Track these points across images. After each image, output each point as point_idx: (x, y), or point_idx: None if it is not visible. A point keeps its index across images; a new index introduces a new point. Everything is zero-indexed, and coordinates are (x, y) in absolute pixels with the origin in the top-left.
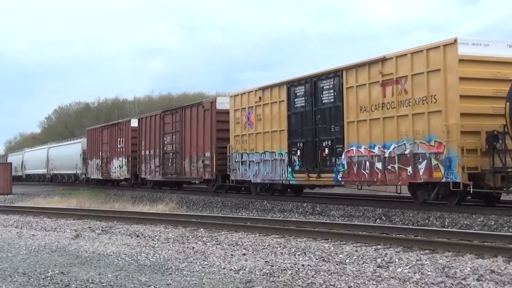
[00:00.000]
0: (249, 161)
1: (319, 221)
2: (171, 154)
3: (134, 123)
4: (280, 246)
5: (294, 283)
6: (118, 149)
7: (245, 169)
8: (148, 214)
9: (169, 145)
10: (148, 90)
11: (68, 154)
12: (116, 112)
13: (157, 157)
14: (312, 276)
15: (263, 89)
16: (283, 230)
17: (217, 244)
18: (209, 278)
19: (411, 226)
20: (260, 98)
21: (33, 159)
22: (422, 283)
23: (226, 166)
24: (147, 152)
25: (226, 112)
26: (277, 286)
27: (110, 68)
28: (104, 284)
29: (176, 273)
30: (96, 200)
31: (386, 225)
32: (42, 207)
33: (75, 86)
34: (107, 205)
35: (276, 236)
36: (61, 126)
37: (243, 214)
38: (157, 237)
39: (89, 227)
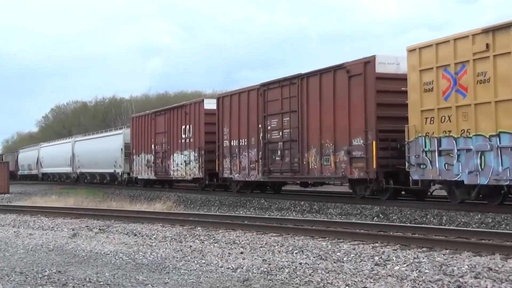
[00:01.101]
0: (457, 150)
1: (317, 219)
2: (279, 144)
3: (210, 104)
4: (277, 244)
5: (292, 281)
6: (182, 140)
7: (447, 163)
8: (146, 213)
9: (275, 132)
10: (146, 89)
11: (103, 149)
12: (113, 111)
13: (253, 149)
14: (310, 274)
15: (494, 30)
16: (281, 229)
17: (215, 243)
18: (207, 276)
19: (408, 224)
20: (487, 46)
21: (53, 155)
22: (419, 281)
23: (394, 159)
24: (234, 143)
25: (392, 79)
26: (275, 284)
27: (109, 67)
28: (101, 283)
29: (174, 271)
30: (93, 199)
31: (383, 223)
32: (40, 206)
33: (74, 85)
34: (104, 204)
35: (274, 234)
36: (58, 125)
37: (241, 212)
38: (154, 236)
39: (87, 226)
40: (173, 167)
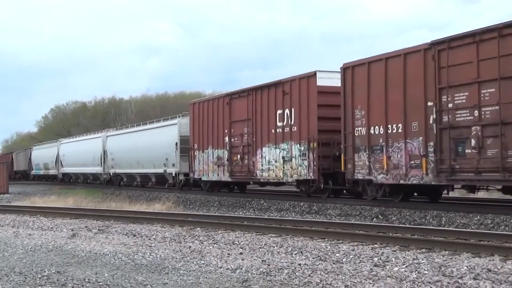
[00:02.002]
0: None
1: (316, 220)
2: (473, 129)
3: (326, 79)
4: (277, 245)
5: (291, 282)
6: (278, 130)
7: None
8: (145, 214)
9: (464, 112)
10: (145, 89)
11: (148, 144)
12: (112, 111)
13: (413, 138)
14: (309, 275)
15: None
16: (280, 229)
17: (214, 243)
18: (206, 277)
19: (407, 225)
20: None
21: (78, 153)
22: (418, 282)
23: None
24: (376, 130)
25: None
26: (274, 285)
27: (109, 67)
28: (100, 283)
29: (173, 272)
30: (92, 199)
31: (383, 224)
32: (39, 206)
33: (73, 85)
34: (104, 205)
35: (273, 235)
36: (57, 126)
37: (240, 213)
38: (153, 237)
39: (86, 227)
40: (261, 165)
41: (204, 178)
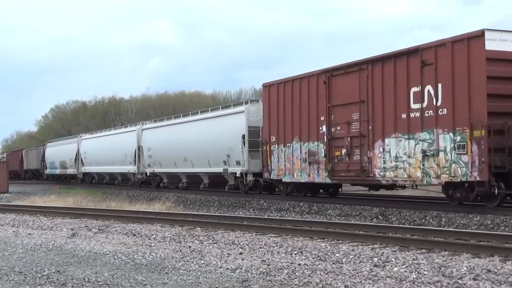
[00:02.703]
0: None
1: (316, 220)
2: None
3: (498, 41)
4: (276, 245)
5: (291, 282)
6: (413, 114)
7: None
8: (145, 213)
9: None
10: (145, 88)
11: (204, 137)
12: (112, 111)
13: None
14: (309, 275)
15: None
16: (280, 229)
17: (214, 243)
18: (206, 277)
19: (407, 226)
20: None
21: (104, 150)
22: (418, 282)
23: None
24: None
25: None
26: (274, 285)
27: (109, 66)
28: (100, 283)
29: (173, 272)
30: (92, 199)
31: (382, 224)
32: (39, 206)
33: (74, 84)
34: (103, 204)
35: (273, 235)
36: (58, 125)
37: (240, 213)
38: (153, 236)
39: (86, 226)
40: (383, 162)
41: (286, 179)
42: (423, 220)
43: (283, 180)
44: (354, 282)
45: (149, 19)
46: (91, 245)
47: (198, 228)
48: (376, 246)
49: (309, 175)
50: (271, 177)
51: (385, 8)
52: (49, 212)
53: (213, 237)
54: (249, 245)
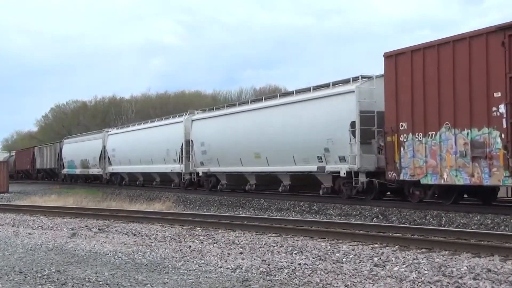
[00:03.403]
0: None
1: (316, 220)
2: None
3: None
4: (277, 245)
5: (291, 282)
6: None
7: None
8: (145, 213)
9: None
10: (146, 88)
11: (290, 127)
12: (113, 110)
13: None
14: (309, 275)
15: None
16: (280, 229)
17: (214, 243)
18: (206, 276)
19: (407, 225)
20: None
21: (138, 146)
22: (418, 282)
23: None
24: None
25: None
26: (274, 285)
27: (110, 66)
28: (100, 282)
29: (173, 271)
30: (93, 198)
31: (383, 224)
32: (39, 205)
33: (75, 84)
34: (104, 204)
35: (273, 234)
36: (58, 125)
37: (240, 212)
38: (154, 236)
39: (86, 226)
40: None
41: (427, 181)
42: (423, 220)
43: (423, 181)
44: (354, 282)
45: (150, 19)
46: (92, 245)
47: (198, 228)
48: (376, 245)
49: (472, 175)
50: (401, 178)
51: (386, 8)
52: (50, 212)
53: (213, 237)
54: (249, 245)
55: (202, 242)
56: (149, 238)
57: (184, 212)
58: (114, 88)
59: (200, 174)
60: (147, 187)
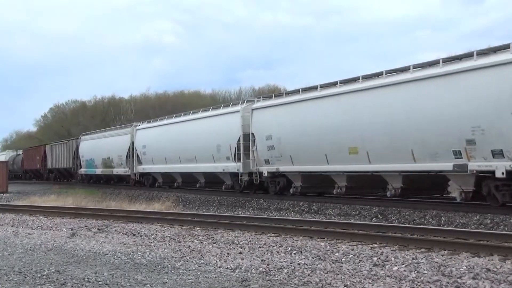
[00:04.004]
0: None
1: (315, 219)
2: None
3: None
4: (276, 245)
5: (290, 282)
6: None
7: None
8: (145, 213)
9: None
10: (145, 88)
11: (417, 111)
12: (112, 110)
13: None
14: (308, 275)
15: None
16: (279, 229)
17: (213, 243)
18: (205, 276)
19: (407, 225)
20: None
21: (178, 142)
22: (418, 282)
23: None
24: None
25: None
26: (273, 284)
27: (110, 66)
28: (100, 282)
29: (172, 271)
30: (92, 198)
31: (382, 223)
32: (38, 205)
33: (73, 84)
34: (103, 204)
35: (272, 234)
36: (57, 125)
37: (239, 212)
38: (153, 236)
39: (85, 226)
40: None
41: None
42: (423, 220)
43: None
44: (353, 282)
45: (150, 19)
46: (91, 245)
47: (197, 228)
48: (375, 245)
49: None
50: None
51: (386, 8)
52: (49, 212)
53: (213, 237)
54: (249, 245)
55: (201, 242)
56: (149, 238)
57: (184, 212)
58: (114, 88)
59: (266, 174)
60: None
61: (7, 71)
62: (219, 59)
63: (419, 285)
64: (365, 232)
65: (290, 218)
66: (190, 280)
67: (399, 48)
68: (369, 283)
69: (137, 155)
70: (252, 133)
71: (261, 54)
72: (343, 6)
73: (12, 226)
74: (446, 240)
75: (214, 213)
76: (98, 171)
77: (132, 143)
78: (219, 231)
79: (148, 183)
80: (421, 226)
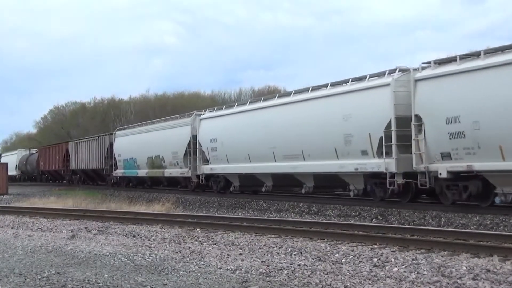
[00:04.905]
0: None
1: (315, 220)
2: None
3: None
4: (276, 246)
5: (290, 283)
6: None
7: None
8: (144, 214)
9: None
10: (145, 89)
11: None
12: (112, 112)
13: None
14: (308, 276)
15: None
16: (279, 230)
17: (213, 244)
18: (205, 278)
19: (407, 226)
20: None
21: (273, 133)
22: (418, 283)
23: None
24: None
25: None
26: (274, 285)
27: (110, 67)
28: (100, 284)
29: (173, 273)
30: (92, 200)
31: (382, 224)
32: (38, 207)
33: (74, 85)
34: (103, 205)
35: (272, 236)
36: (57, 126)
37: (239, 214)
38: (153, 237)
39: (85, 228)
40: None
41: None
42: (423, 220)
43: None
44: (353, 283)
45: (150, 20)
46: (91, 247)
47: (197, 229)
48: (375, 246)
49: None
50: None
51: (386, 9)
52: (49, 213)
53: (213, 238)
54: (249, 246)
55: (201, 244)
56: (149, 240)
57: (184, 213)
58: (113, 90)
59: (449, 170)
60: (147, 188)
61: (7, 72)
62: (219, 60)
63: (419, 286)
64: (365, 233)
65: (290, 219)
66: (190, 282)
67: (399, 49)
68: (369, 284)
69: (202, 152)
70: (420, 116)
71: (261, 55)
72: (343, 7)
73: (12, 228)
74: (446, 241)
75: (214, 215)
76: (142, 172)
77: (194, 136)
78: (219, 233)
79: (218, 187)
80: (421, 227)
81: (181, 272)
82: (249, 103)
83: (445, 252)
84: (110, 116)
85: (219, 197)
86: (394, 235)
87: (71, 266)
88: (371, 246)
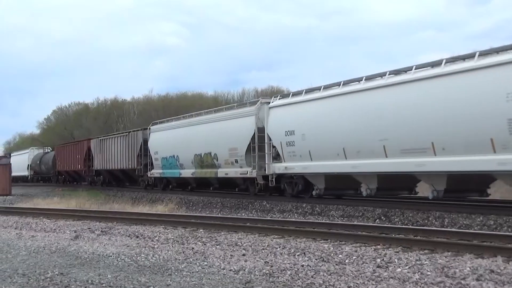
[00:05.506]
0: None
1: (319, 221)
2: None
3: None
4: (279, 247)
5: (294, 284)
6: None
7: None
8: (148, 215)
9: None
10: (148, 90)
11: None
12: (115, 113)
13: None
14: (312, 277)
15: None
16: (283, 231)
17: (217, 245)
18: (209, 278)
19: (410, 226)
20: None
21: (386, 122)
22: (421, 283)
23: None
24: None
25: None
26: (277, 286)
27: (113, 68)
28: (103, 285)
29: (176, 273)
30: (95, 201)
31: (385, 225)
32: (42, 208)
33: (76, 86)
34: (106, 206)
35: (276, 236)
36: (60, 127)
37: (243, 214)
38: (156, 238)
39: (89, 228)
40: None
41: None
42: (426, 221)
43: None
44: (357, 283)
45: (153, 21)
46: (94, 247)
47: (201, 230)
48: (379, 247)
49: None
50: None
51: (389, 9)
52: (52, 214)
53: (216, 239)
54: (252, 247)
55: (204, 244)
56: (152, 240)
57: (187, 214)
58: (116, 90)
59: None
60: (147, 189)
61: (9, 73)
62: (222, 61)
63: (423, 287)
64: (369, 234)
65: (293, 220)
66: (194, 282)
67: (402, 49)
68: (373, 284)
69: (273, 148)
70: None
71: (264, 55)
72: (345, 7)
73: (15, 228)
74: (449, 242)
75: (217, 215)
76: (186, 173)
77: (260, 129)
78: (222, 233)
79: (295, 190)
80: (425, 228)
81: (184, 273)
82: (343, 84)
83: (449, 253)
84: (113, 116)
85: (222, 197)
86: (397, 235)
87: (74, 267)
88: (374, 247)
